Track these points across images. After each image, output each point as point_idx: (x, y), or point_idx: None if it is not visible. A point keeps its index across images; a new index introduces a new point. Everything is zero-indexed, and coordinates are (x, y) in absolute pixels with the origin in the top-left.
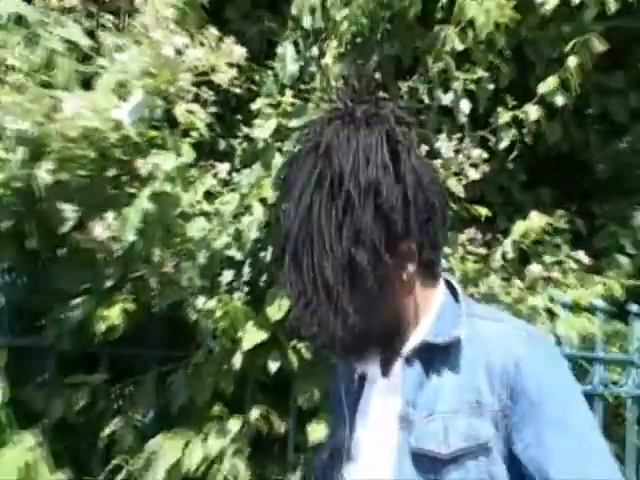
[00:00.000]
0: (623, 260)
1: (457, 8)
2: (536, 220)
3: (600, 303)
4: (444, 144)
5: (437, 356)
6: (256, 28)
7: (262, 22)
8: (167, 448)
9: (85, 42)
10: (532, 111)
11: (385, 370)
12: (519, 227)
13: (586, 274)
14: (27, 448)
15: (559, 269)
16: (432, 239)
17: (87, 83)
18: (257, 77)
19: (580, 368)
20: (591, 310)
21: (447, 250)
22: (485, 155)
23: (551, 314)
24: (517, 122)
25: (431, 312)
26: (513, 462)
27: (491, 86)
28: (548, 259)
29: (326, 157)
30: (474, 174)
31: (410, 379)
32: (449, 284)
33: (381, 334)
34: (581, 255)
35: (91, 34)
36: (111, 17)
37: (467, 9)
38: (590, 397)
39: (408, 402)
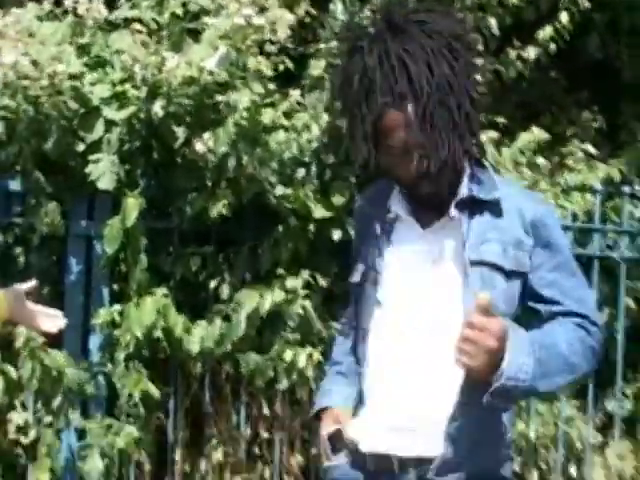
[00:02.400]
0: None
1: None
2: (536, 133)
3: (599, 186)
4: None
5: (480, 207)
6: None
7: None
8: (246, 298)
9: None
10: (531, 51)
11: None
12: (523, 137)
13: (593, 161)
14: (160, 296)
15: (572, 158)
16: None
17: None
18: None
19: (583, 236)
20: (593, 191)
21: None
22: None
23: (566, 193)
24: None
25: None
26: (524, 290)
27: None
28: (564, 150)
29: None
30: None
31: (461, 224)
32: None
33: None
34: (589, 147)
35: None
36: None
37: None
38: (591, 259)
39: (463, 240)
